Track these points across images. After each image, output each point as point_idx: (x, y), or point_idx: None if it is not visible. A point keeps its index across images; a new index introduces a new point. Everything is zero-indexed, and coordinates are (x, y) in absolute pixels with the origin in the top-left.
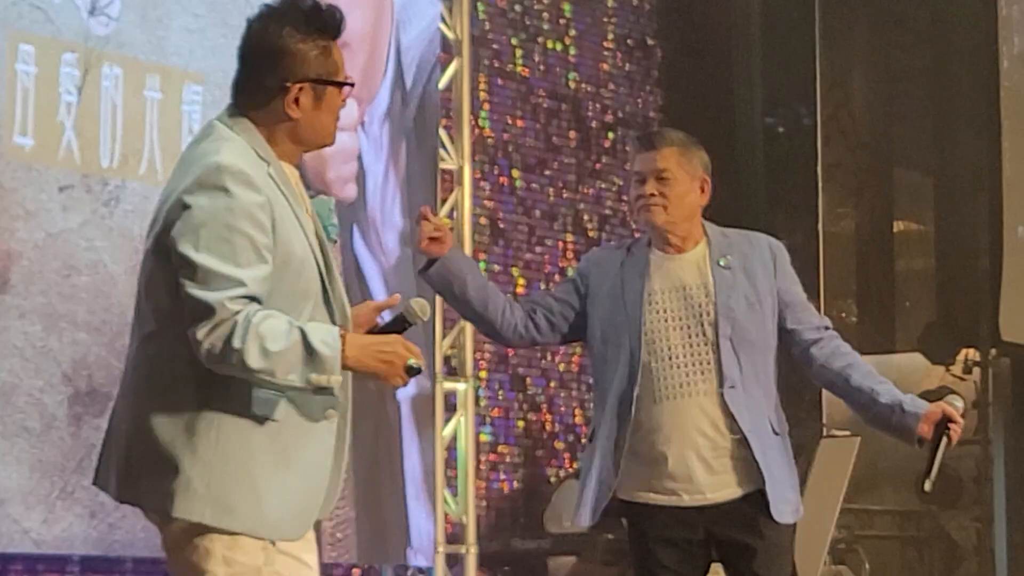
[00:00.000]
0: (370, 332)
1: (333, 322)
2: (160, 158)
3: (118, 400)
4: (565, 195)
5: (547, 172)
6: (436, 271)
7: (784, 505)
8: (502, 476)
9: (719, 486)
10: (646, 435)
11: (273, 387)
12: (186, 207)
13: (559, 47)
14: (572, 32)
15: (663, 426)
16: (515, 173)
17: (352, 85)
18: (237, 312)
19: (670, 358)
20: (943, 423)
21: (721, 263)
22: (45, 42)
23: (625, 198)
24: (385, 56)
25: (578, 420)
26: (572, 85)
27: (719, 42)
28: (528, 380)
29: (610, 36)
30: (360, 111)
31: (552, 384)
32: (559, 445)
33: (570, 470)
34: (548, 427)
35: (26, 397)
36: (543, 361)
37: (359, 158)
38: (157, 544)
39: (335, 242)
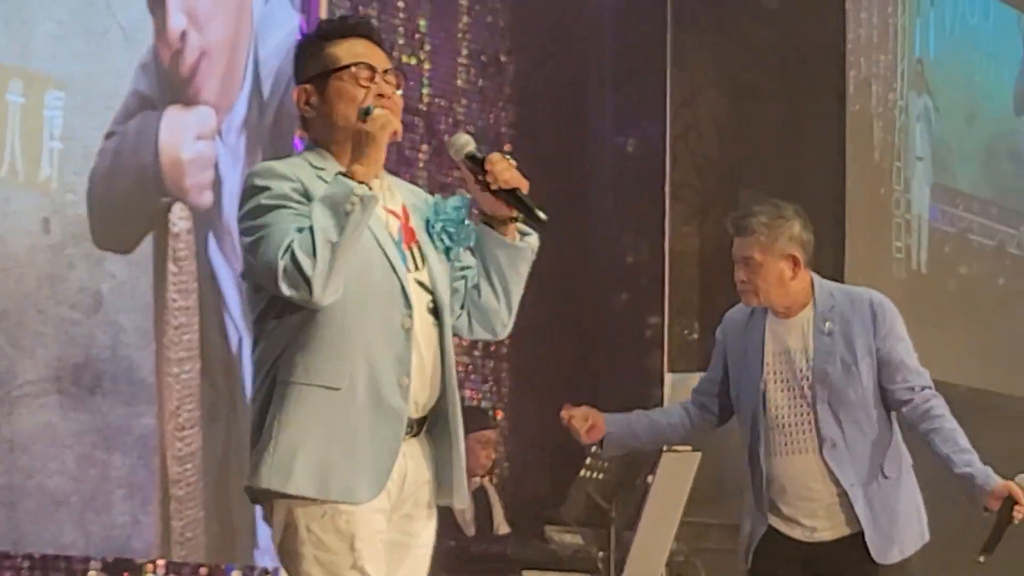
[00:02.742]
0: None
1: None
2: (21, 161)
3: None
4: None
5: None
6: (608, 447)
7: (887, 546)
8: None
9: (824, 528)
10: (769, 484)
11: (347, 247)
12: (238, 220)
13: (414, 61)
14: (427, 47)
15: (778, 477)
16: None
17: (354, 66)
18: (284, 251)
19: (777, 418)
20: (1010, 500)
21: (823, 330)
22: None
23: (476, 210)
24: (244, 66)
25: None
26: (426, 99)
27: (571, 61)
28: None
29: (464, 52)
30: (218, 120)
31: None
32: None
33: None
34: None
35: None
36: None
37: (216, 166)
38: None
39: (462, 247)
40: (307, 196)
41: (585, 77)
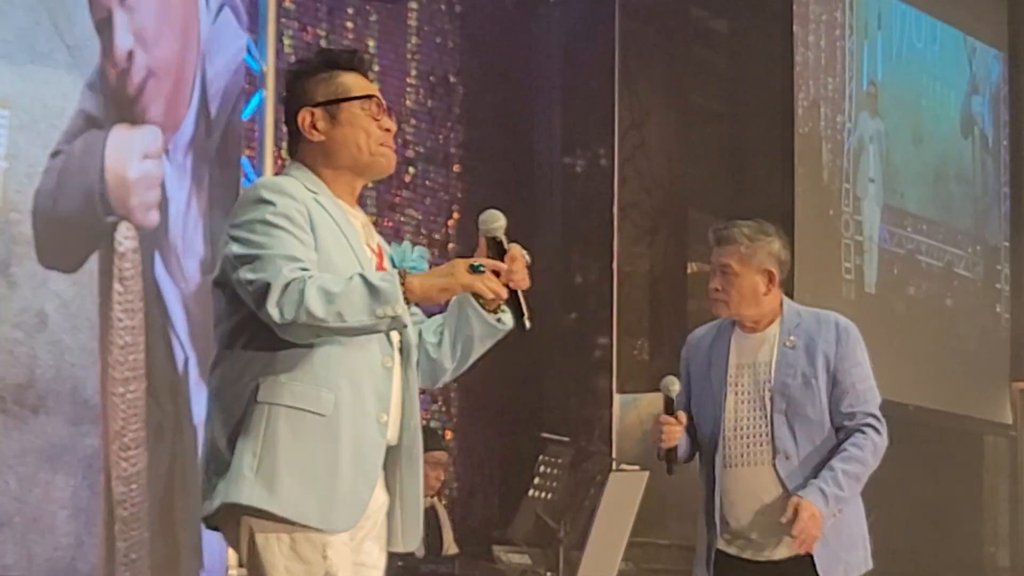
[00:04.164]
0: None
1: (391, 354)
2: None
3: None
4: None
5: None
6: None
7: (834, 564)
8: None
9: (775, 546)
10: (721, 496)
11: (346, 332)
12: (232, 226)
13: None
14: (376, 67)
15: (730, 490)
16: None
17: (367, 97)
18: (296, 277)
19: (735, 429)
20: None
21: (787, 343)
22: None
23: (424, 231)
24: (191, 85)
25: None
26: None
27: (520, 82)
28: None
29: (413, 72)
30: (164, 139)
31: None
32: None
33: None
34: None
35: None
36: None
37: (162, 185)
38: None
39: None
40: (310, 222)
41: (534, 98)
